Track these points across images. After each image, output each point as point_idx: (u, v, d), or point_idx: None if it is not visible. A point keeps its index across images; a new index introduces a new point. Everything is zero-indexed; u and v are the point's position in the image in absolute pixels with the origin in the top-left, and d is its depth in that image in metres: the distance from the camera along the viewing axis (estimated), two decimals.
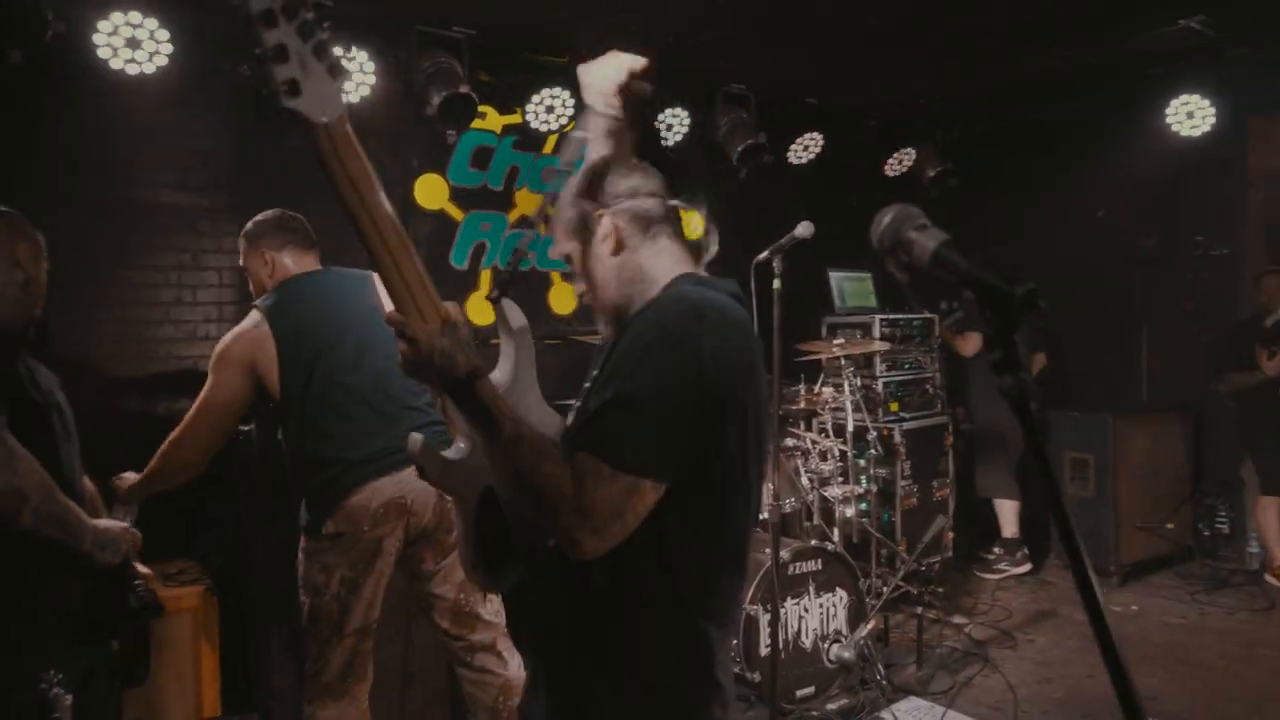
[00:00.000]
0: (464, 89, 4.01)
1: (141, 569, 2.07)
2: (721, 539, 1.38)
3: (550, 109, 4.53)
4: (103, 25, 3.36)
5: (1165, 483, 5.51)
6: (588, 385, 1.48)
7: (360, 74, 3.89)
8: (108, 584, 1.96)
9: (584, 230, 1.49)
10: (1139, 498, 5.35)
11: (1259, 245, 5.58)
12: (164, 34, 3.45)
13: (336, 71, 1.16)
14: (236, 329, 2.66)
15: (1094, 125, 5.73)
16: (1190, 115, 5.13)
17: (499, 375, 1.46)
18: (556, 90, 4.49)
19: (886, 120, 6.05)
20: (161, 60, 3.48)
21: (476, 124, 4.46)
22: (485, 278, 4.75)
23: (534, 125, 4.55)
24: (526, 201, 4.88)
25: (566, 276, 5.00)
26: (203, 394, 2.60)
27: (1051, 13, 4.38)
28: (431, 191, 4.54)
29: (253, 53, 1.13)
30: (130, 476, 2.61)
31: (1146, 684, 3.86)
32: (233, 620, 3.36)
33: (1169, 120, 5.18)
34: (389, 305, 1.29)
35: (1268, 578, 5.19)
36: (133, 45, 3.42)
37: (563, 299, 5.07)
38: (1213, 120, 5.08)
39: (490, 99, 4.54)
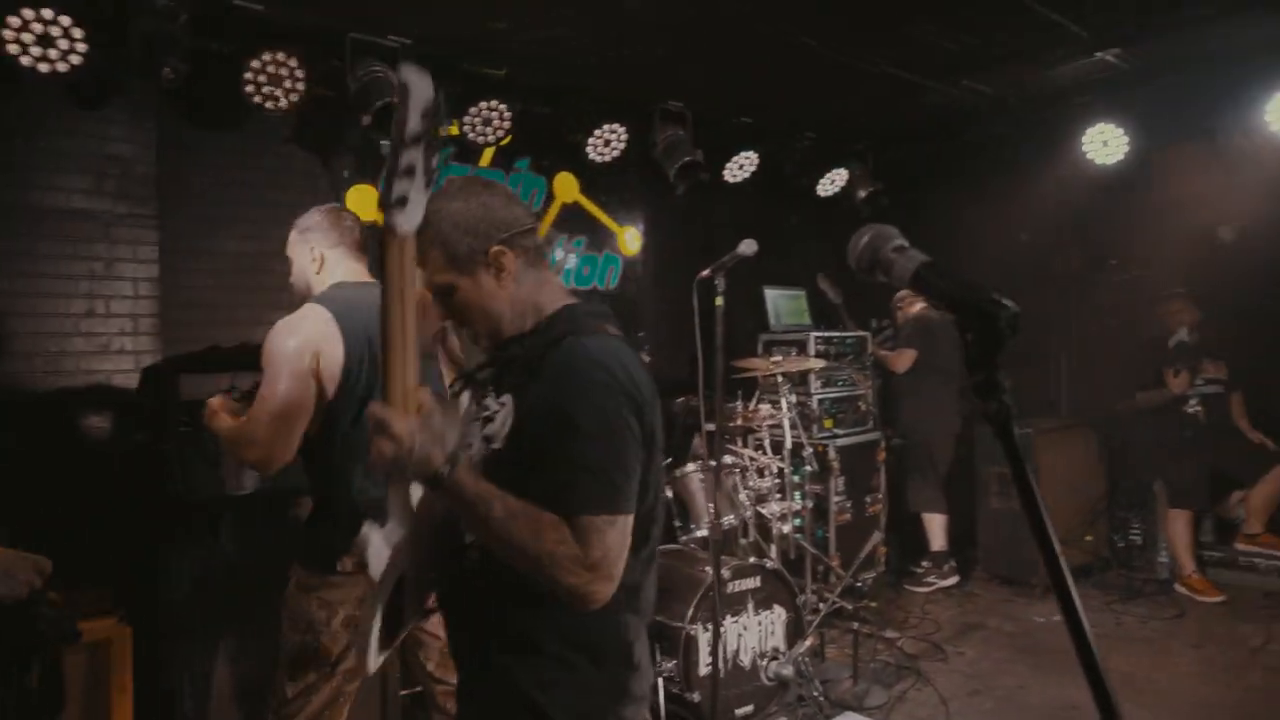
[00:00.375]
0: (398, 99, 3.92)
1: (53, 596, 1.94)
2: (648, 545, 1.54)
3: (488, 121, 4.46)
4: (11, 21, 3.17)
5: (1083, 497, 5.71)
6: (486, 415, 1.52)
7: (290, 80, 3.77)
8: (12, 616, 1.82)
9: (471, 263, 1.50)
10: (1059, 511, 5.53)
11: (1169, 268, 5.86)
12: (79, 32, 3.27)
13: (431, 185, 1.24)
14: (294, 321, 2.35)
15: (1017, 151, 5.94)
16: (1105, 143, 5.36)
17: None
18: (494, 102, 4.43)
19: (820, 140, 6.17)
20: (76, 59, 3.30)
21: None
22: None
23: (471, 137, 4.48)
24: None
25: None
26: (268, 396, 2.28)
27: (975, 48, 4.54)
28: (365, 203, 4.42)
29: (385, 164, 1.23)
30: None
31: (1067, 694, 3.97)
32: (148, 652, 3.17)
33: (1085, 148, 5.41)
34: None
35: (1177, 587, 5.42)
36: (44, 43, 3.23)
37: None
38: (1126, 149, 5.31)
39: None
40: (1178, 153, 5.54)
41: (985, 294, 0.77)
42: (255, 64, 3.69)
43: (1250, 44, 4.54)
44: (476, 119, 4.44)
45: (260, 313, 3.98)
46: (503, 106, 4.45)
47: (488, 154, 4.83)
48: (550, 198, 5.20)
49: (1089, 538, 5.67)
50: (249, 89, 3.71)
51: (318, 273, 2.54)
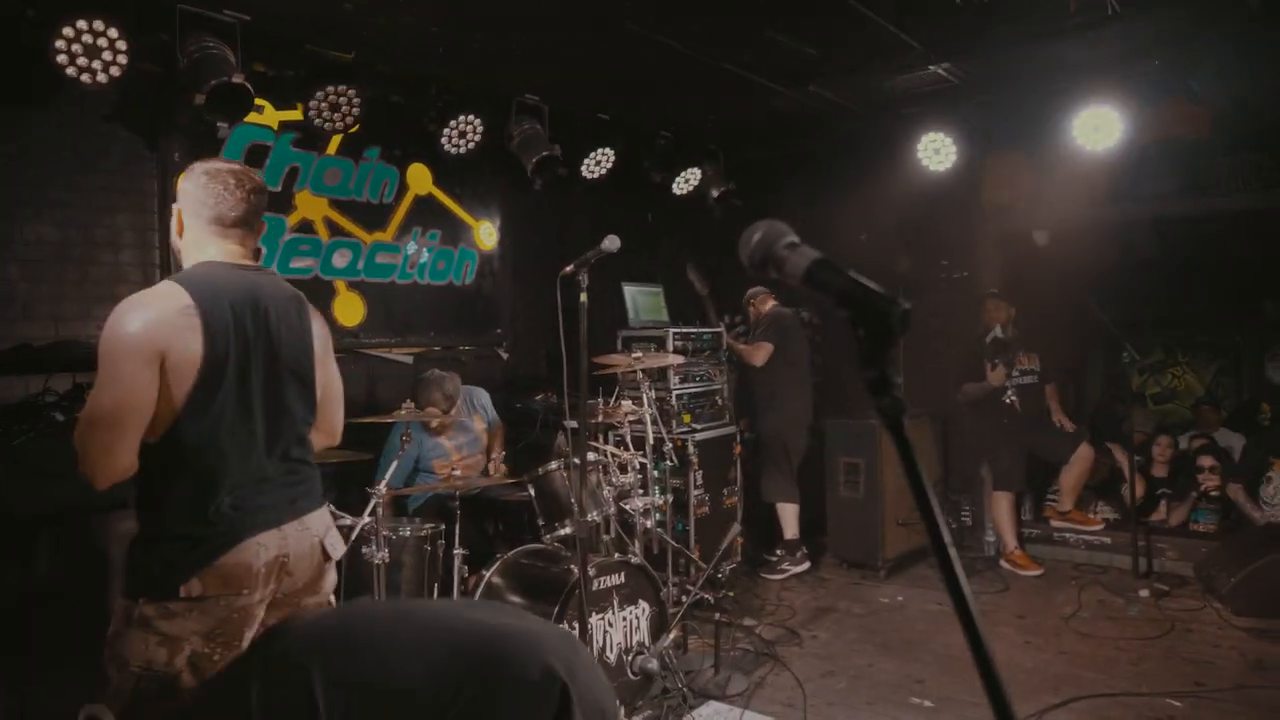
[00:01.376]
0: (237, 79, 3.65)
1: None
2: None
3: (335, 107, 4.24)
4: None
5: None
6: None
7: (110, 52, 3.43)
8: None
9: None
10: (900, 497, 5.87)
11: (993, 269, 6.34)
12: None
13: None
14: (143, 299, 2.02)
15: (858, 156, 6.25)
16: (937, 152, 5.73)
17: None
18: (342, 88, 4.21)
19: (676, 139, 6.26)
20: None
21: (251, 118, 4.09)
22: None
23: (316, 123, 4.24)
24: (308, 204, 4.54)
25: (351, 286, 4.72)
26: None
27: (821, 57, 4.73)
28: None
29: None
30: None
31: (912, 669, 4.23)
32: None
33: (920, 155, 5.76)
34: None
35: (1002, 563, 5.88)
36: None
37: (348, 309, 4.76)
38: (954, 157, 5.70)
39: (267, 92, 4.17)
40: (999, 162, 6.00)
41: (877, 292, 0.78)
42: (68, 32, 3.33)
43: (1061, 65, 4.97)
44: (323, 104, 4.21)
45: (87, 307, 3.62)
46: (351, 92, 4.24)
47: (335, 141, 4.59)
48: (403, 189, 5.01)
49: None
50: (61, 59, 3.35)
51: (181, 244, 2.19)
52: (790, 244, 0.86)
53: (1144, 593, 5.22)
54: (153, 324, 1.93)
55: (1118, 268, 8.01)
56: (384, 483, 3.50)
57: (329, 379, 2.34)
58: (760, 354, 5.68)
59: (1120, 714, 3.68)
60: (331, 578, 2.28)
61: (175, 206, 2.19)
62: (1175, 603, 5.07)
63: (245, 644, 2.05)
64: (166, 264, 3.99)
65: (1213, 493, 5.93)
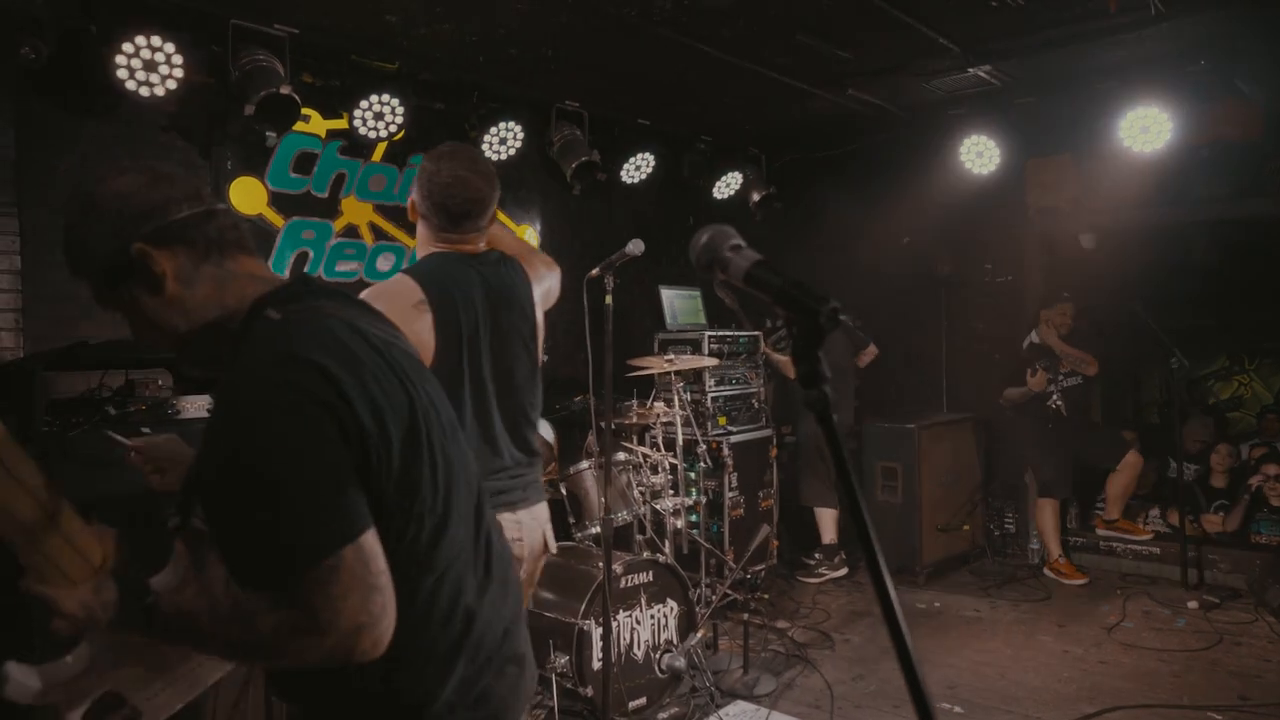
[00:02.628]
0: (285, 89, 3.82)
1: None
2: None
3: (379, 115, 4.39)
4: None
5: (962, 488, 6.02)
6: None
7: (167, 65, 3.62)
8: None
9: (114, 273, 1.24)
10: (940, 503, 5.82)
11: (1037, 273, 6.24)
12: None
13: None
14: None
15: (900, 158, 6.21)
16: (980, 154, 5.66)
17: None
18: (386, 96, 4.36)
19: (716, 144, 6.30)
20: None
21: (299, 127, 4.26)
22: None
23: (361, 131, 4.39)
24: (354, 209, 4.70)
25: None
26: None
27: (858, 60, 4.73)
28: (249, 195, 4.29)
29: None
30: None
31: (946, 673, 4.20)
32: None
33: (962, 158, 5.70)
34: None
35: (1045, 571, 5.77)
36: None
37: None
38: (998, 160, 5.63)
39: (314, 102, 4.35)
40: (1044, 164, 5.90)
41: (809, 291, 0.83)
42: (128, 47, 3.53)
43: (1106, 66, 4.88)
44: (368, 113, 4.36)
45: None
46: (395, 101, 4.38)
47: (380, 149, 4.75)
48: None
49: (966, 527, 5.98)
50: (121, 73, 3.55)
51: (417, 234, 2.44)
52: (734, 246, 0.91)
53: (1192, 604, 5.08)
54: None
55: (1172, 272, 7.80)
56: None
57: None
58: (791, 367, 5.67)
59: None
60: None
61: (410, 197, 2.36)
62: (1225, 615, 4.93)
63: None
64: None
65: (1275, 503, 5.75)
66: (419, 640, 1.23)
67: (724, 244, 0.91)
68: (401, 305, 2.11)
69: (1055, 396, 5.68)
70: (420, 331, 2.12)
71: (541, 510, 2.44)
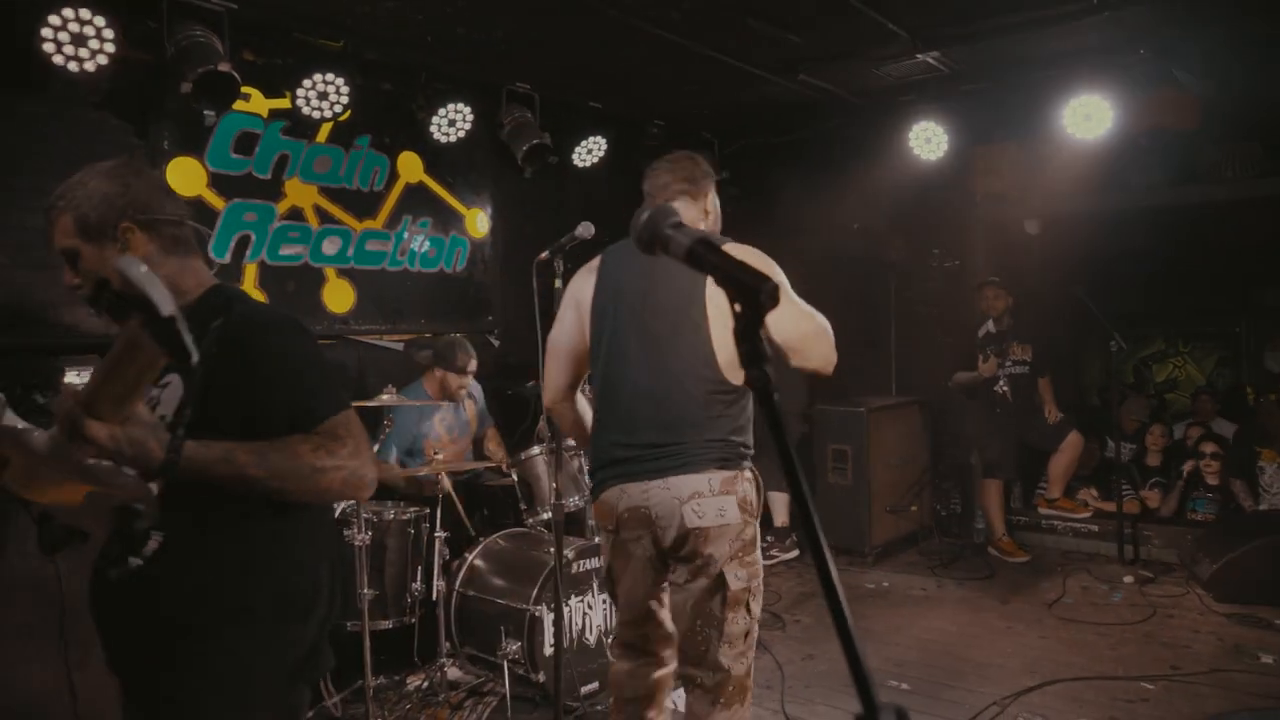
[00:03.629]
0: (224, 67, 3.70)
1: None
2: None
3: (324, 95, 4.27)
4: None
5: (910, 470, 6.13)
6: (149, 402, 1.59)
7: (98, 40, 3.47)
8: None
9: (99, 234, 1.64)
10: (889, 484, 5.92)
11: (983, 258, 6.35)
12: None
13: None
14: None
15: (851, 144, 6.25)
16: (929, 141, 5.73)
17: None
18: (330, 75, 4.25)
19: (669, 129, 6.28)
20: None
21: (240, 106, 4.14)
22: (250, 271, 4.41)
23: (305, 111, 4.28)
24: (298, 192, 4.58)
25: (341, 273, 4.77)
26: None
27: (809, 45, 4.74)
28: (187, 176, 4.15)
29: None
30: None
31: (894, 651, 4.28)
32: None
33: (911, 144, 5.76)
34: None
35: (990, 549, 5.91)
36: None
37: (338, 296, 4.81)
38: (946, 146, 5.69)
39: (255, 80, 4.22)
40: (990, 151, 6.00)
41: (749, 270, 0.82)
42: (55, 20, 3.38)
43: (1050, 55, 4.97)
44: (311, 93, 4.25)
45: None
46: (340, 80, 4.27)
47: (325, 129, 4.63)
48: (394, 177, 5.05)
49: (914, 508, 6.09)
50: (48, 47, 3.40)
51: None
52: (675, 224, 0.90)
53: (1128, 579, 5.25)
54: (574, 279, 2.64)
55: (1111, 257, 8.01)
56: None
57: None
58: None
59: (1094, 696, 3.72)
60: (714, 550, 2.33)
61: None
62: (1159, 589, 5.11)
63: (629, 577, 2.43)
64: None
65: (1211, 481, 5.95)
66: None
67: (664, 221, 0.90)
68: None
69: (1002, 382, 5.80)
70: None
71: (680, 482, 2.35)
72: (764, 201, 6.88)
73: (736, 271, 0.83)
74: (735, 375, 2.42)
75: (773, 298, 0.81)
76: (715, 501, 2.34)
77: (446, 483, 3.91)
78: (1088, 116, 5.13)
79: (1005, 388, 5.82)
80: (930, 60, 5.04)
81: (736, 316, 0.84)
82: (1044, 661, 4.09)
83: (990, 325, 5.84)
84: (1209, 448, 5.99)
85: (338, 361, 4.86)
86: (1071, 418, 6.08)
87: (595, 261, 2.61)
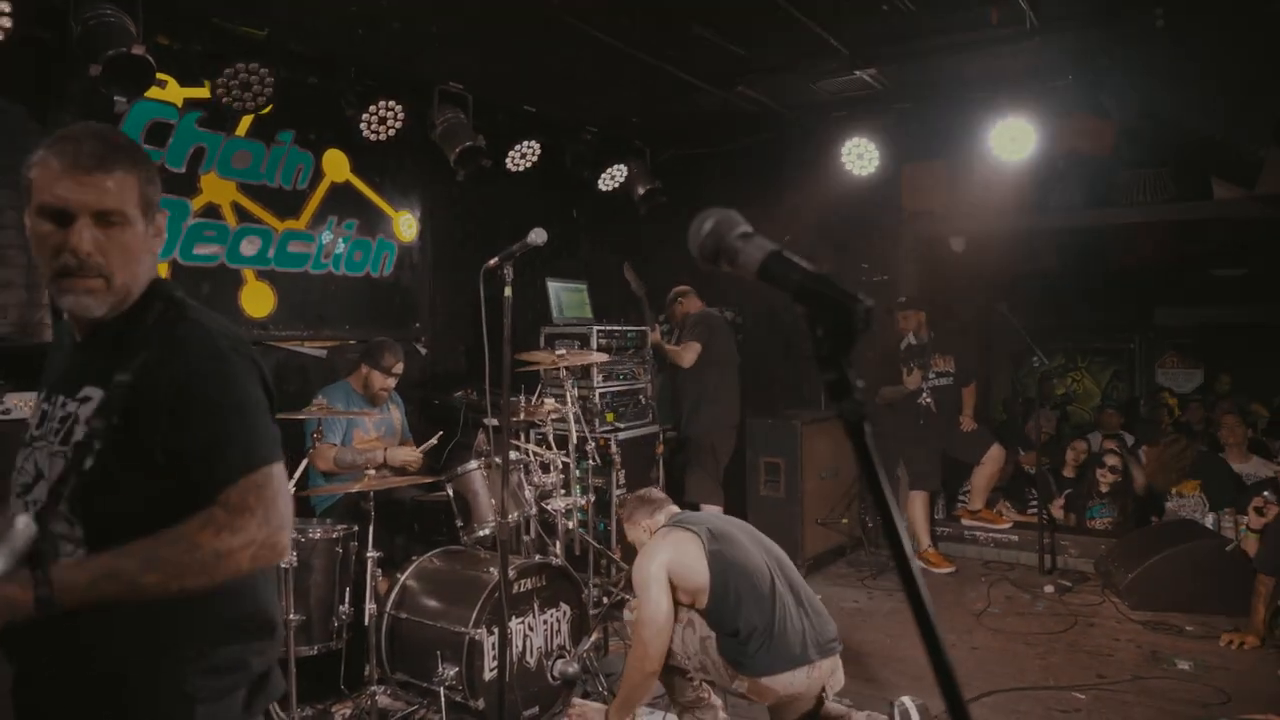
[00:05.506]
0: (138, 50, 3.42)
1: None
2: None
3: (246, 86, 4.01)
4: None
5: (840, 482, 6.18)
6: (64, 416, 1.46)
7: None
8: None
9: (148, 209, 1.47)
10: (820, 497, 5.94)
11: (911, 273, 6.48)
12: None
13: None
14: None
15: (785, 158, 6.30)
16: (860, 156, 5.80)
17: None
18: (253, 65, 3.99)
19: (602, 135, 6.18)
20: None
21: (153, 94, 3.84)
22: (161, 272, 4.08)
23: (225, 102, 4.01)
24: (215, 187, 4.29)
25: (261, 275, 4.49)
26: None
27: (748, 56, 4.73)
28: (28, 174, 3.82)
29: None
30: None
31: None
32: None
33: (844, 159, 5.82)
34: None
35: (915, 560, 6.00)
36: None
37: (257, 300, 4.53)
38: (877, 163, 5.79)
39: (170, 67, 3.92)
40: (919, 169, 6.12)
41: (838, 287, 0.74)
42: None
43: (981, 77, 5.10)
44: (232, 82, 3.98)
45: None
46: (263, 71, 4.02)
47: (245, 122, 4.36)
48: (319, 175, 4.79)
49: (845, 520, 6.14)
50: None
51: None
52: (744, 234, 0.80)
53: (1049, 589, 5.41)
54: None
55: (1027, 275, 8.33)
56: (291, 482, 3.33)
57: None
58: (689, 354, 5.56)
59: (1030, 707, 3.78)
60: None
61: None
62: (1077, 598, 5.27)
63: None
64: None
65: (1103, 489, 6.21)
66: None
67: (732, 231, 0.81)
68: None
69: (926, 394, 5.90)
70: None
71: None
72: (694, 211, 6.81)
73: (823, 289, 0.74)
74: None
75: (868, 319, 0.72)
76: None
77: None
78: (1013, 139, 5.29)
79: (929, 399, 5.92)
80: (866, 78, 5.11)
81: (818, 341, 0.75)
82: (978, 673, 4.14)
83: (911, 338, 5.94)
84: (1110, 459, 6.26)
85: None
86: (991, 430, 6.25)
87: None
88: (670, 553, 3.06)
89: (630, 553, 4.90)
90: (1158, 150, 5.63)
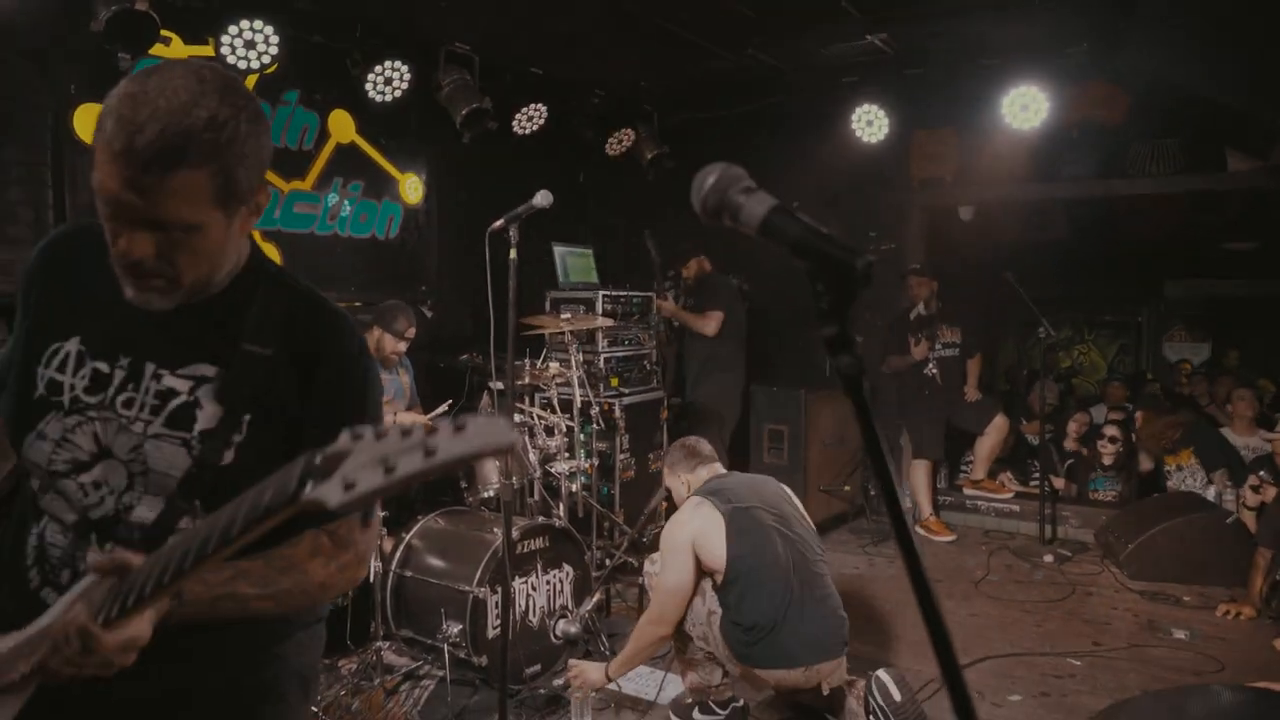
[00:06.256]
0: (142, 6, 3.40)
1: None
2: None
3: (250, 44, 3.99)
4: None
5: (845, 451, 6.20)
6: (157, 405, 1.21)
7: None
8: None
9: (241, 200, 1.18)
10: (823, 465, 5.97)
11: (918, 242, 6.44)
12: None
13: None
14: None
15: (794, 123, 6.23)
16: (870, 123, 5.75)
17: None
18: (258, 23, 3.96)
19: (609, 99, 6.13)
20: None
21: (158, 51, 3.81)
22: None
23: (229, 60, 3.98)
24: None
25: (267, 235, 4.48)
26: None
27: (760, 17, 4.66)
28: (93, 123, 3.80)
29: None
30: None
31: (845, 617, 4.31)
32: None
33: (853, 126, 5.77)
34: None
35: (918, 528, 6.04)
36: None
37: None
38: (887, 129, 5.73)
39: (175, 24, 3.89)
40: (929, 136, 6.06)
41: (840, 243, 0.74)
42: None
43: (993, 44, 5.03)
44: (237, 40, 3.96)
45: None
46: (268, 29, 4.00)
47: (250, 81, 4.32)
48: (324, 136, 4.77)
49: (847, 488, 6.17)
50: None
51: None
52: (746, 189, 0.80)
53: (1048, 558, 5.44)
54: None
55: (1035, 245, 8.26)
56: None
57: None
58: (713, 323, 5.56)
59: (1025, 673, 3.83)
60: None
61: None
62: (1077, 568, 5.31)
63: None
64: (60, 202, 3.71)
65: (1106, 462, 6.23)
66: None
67: (734, 185, 0.80)
68: None
69: (931, 364, 5.90)
70: None
71: None
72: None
73: (824, 244, 0.74)
74: None
75: (867, 274, 0.72)
76: None
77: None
78: (1025, 107, 5.23)
79: (934, 370, 5.92)
80: (877, 42, 5.04)
81: (818, 296, 0.75)
82: (976, 639, 4.19)
83: (921, 309, 5.92)
84: (1109, 431, 6.27)
85: None
86: (996, 400, 6.25)
87: None
88: (698, 527, 3.05)
89: (633, 514, 4.95)
90: (1172, 120, 5.56)
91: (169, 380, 1.20)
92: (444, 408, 4.37)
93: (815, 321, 0.75)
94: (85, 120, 3.77)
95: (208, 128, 1.09)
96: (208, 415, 1.19)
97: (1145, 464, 6.20)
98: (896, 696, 3.05)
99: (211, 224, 1.14)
